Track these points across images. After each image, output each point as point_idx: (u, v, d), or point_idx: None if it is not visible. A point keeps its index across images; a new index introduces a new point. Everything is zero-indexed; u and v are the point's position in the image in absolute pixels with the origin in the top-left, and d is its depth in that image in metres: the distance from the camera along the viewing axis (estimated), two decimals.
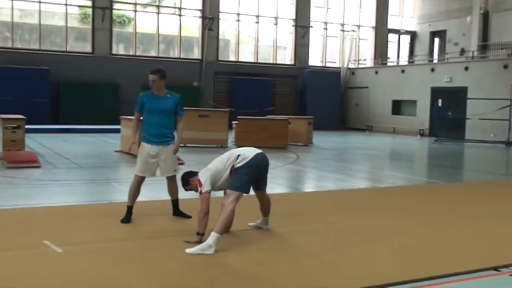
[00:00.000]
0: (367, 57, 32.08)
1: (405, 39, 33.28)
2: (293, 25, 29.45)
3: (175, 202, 6.56)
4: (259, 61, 29.01)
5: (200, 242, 5.29)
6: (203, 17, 26.93)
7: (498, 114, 20.75)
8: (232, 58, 28.86)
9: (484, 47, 26.18)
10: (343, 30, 31.11)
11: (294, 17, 29.34)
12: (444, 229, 6.42)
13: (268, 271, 4.69)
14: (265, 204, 6.04)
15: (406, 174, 12.52)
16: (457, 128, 23.31)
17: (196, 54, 27.79)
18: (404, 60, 31.21)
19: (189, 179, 5.69)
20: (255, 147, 5.89)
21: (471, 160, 16.57)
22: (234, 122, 17.70)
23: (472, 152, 18.58)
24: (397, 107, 27.62)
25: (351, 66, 30.65)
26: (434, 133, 24.49)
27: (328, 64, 31.27)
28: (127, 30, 27.71)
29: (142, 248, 5.29)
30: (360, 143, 21.21)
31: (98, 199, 7.86)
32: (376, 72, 28.86)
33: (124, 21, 28.19)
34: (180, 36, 27.20)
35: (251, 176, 5.58)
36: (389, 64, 30.94)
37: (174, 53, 27.62)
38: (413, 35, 33.03)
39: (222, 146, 16.51)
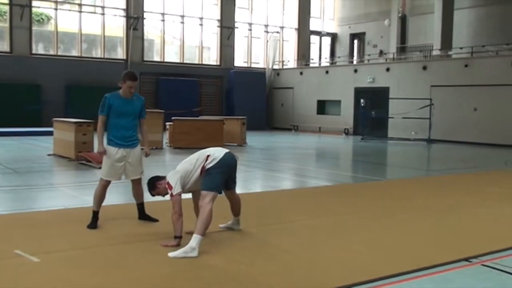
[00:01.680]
0: (290, 58, 32.67)
1: (326, 41, 34.19)
2: (218, 26, 29.47)
3: (140, 205, 6.43)
4: (185, 61, 28.81)
5: (178, 245, 5.23)
6: (128, 17, 26.38)
7: (419, 113, 21.77)
8: (157, 58, 28.46)
9: (402, 49, 27.38)
10: (266, 31, 31.50)
11: (219, 17, 29.37)
12: (405, 224, 6.68)
13: (255, 270, 4.70)
14: (236, 204, 6.04)
15: (348, 172, 12.89)
16: (380, 126, 24.23)
17: (120, 54, 27.18)
18: (326, 61, 32.03)
19: (156, 183, 5.59)
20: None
21: (401, 157, 17.24)
22: (168, 123, 17.48)
23: (399, 149, 19.38)
24: (322, 107, 28.32)
25: (275, 67, 31.07)
26: (358, 132, 25.33)
27: (252, 65, 31.56)
28: (47, 29, 26.63)
29: (121, 254, 5.13)
30: (291, 142, 21.59)
31: (52, 205, 7.51)
32: (301, 73, 29.44)
33: (42, 19, 27.06)
34: (104, 36, 26.49)
35: (224, 176, 5.56)
36: (312, 65, 31.68)
37: (97, 53, 26.87)
38: (334, 37, 34.00)
39: (157, 148, 16.27)
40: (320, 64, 32.07)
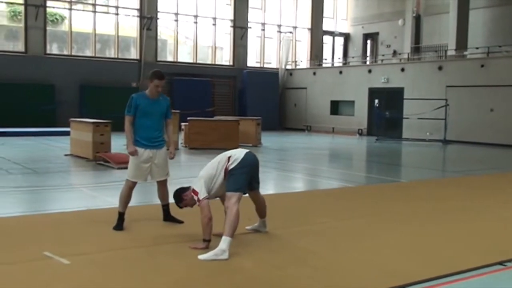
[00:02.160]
0: (303, 59, 32.57)
1: (339, 41, 34.06)
2: (231, 26, 29.43)
3: (166, 207, 6.38)
4: (198, 61, 28.80)
5: (207, 248, 5.19)
6: (141, 17, 26.39)
7: (434, 113, 21.61)
8: (169, 58, 28.46)
9: (416, 49, 27.20)
10: (279, 31, 31.42)
11: (232, 17, 29.33)
12: (432, 226, 6.58)
13: (287, 273, 4.64)
14: (260, 205, 5.97)
15: (367, 173, 12.79)
16: (394, 127, 24.08)
17: (133, 54, 27.20)
18: (340, 61, 31.90)
19: (182, 195, 5.53)
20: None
21: (418, 158, 17.02)
22: (183, 123, 17.45)
23: (415, 150, 19.19)
24: (335, 107, 28.20)
25: (288, 67, 30.99)
26: (372, 133, 25.19)
27: (265, 65, 31.49)
28: (60, 29, 26.69)
29: (152, 256, 5.08)
30: (305, 143, 21.50)
31: (75, 206, 7.48)
32: (314, 73, 29.33)
33: (57, 19, 27.14)
34: (118, 36, 26.51)
35: (247, 176, 5.51)
36: (325, 65, 31.56)
37: (110, 53, 26.90)
38: (347, 37, 33.86)
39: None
40: (333, 64, 31.94)
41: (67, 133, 20.15)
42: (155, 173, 6.15)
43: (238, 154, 5.56)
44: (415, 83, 23.89)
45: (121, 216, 6.04)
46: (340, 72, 27.89)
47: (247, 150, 5.70)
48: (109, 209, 7.32)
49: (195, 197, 5.36)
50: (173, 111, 17.54)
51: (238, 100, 29.20)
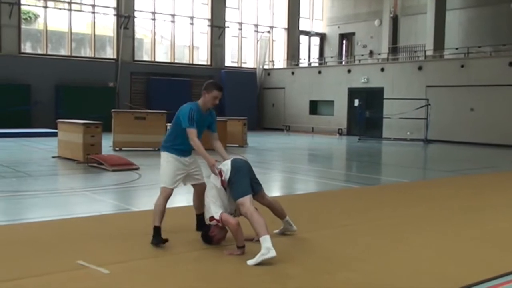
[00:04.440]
0: (279, 58, 32.51)
1: (315, 41, 34.14)
2: (208, 25, 29.16)
3: (201, 216, 5.82)
4: (175, 61, 28.45)
5: (243, 254, 5.06)
6: (118, 15, 25.91)
7: (415, 113, 21.81)
8: (146, 58, 28.04)
9: (394, 49, 27.43)
10: (257, 31, 31.30)
11: (209, 17, 29.07)
12: (459, 227, 6.54)
13: (337, 279, 4.51)
14: (274, 206, 5.78)
15: (364, 173, 12.77)
16: (374, 127, 24.22)
17: (109, 53, 26.70)
18: (315, 61, 31.96)
19: (209, 233, 5.37)
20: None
21: (410, 157, 16.99)
22: (168, 124, 17.10)
23: (401, 150, 19.21)
24: (315, 107, 28.23)
25: (266, 67, 30.89)
26: (352, 132, 25.31)
27: (242, 65, 31.32)
28: (34, 27, 26.01)
29: (190, 262, 4.87)
30: (289, 143, 21.42)
31: (86, 211, 7.19)
32: (293, 73, 29.31)
33: (30, 17, 26.48)
34: (94, 35, 25.97)
35: (246, 178, 5.37)
36: (303, 65, 31.58)
37: (86, 52, 26.35)
38: (323, 37, 33.96)
39: (159, 149, 15.93)
40: (310, 64, 31.98)
41: (46, 134, 19.85)
42: (192, 176, 5.72)
43: (226, 165, 5.42)
44: (395, 83, 24.08)
45: (158, 230, 5.45)
46: (319, 72, 27.93)
47: (232, 158, 5.53)
48: (123, 214, 7.12)
49: (214, 222, 5.23)
50: (160, 111, 17.33)
51: None
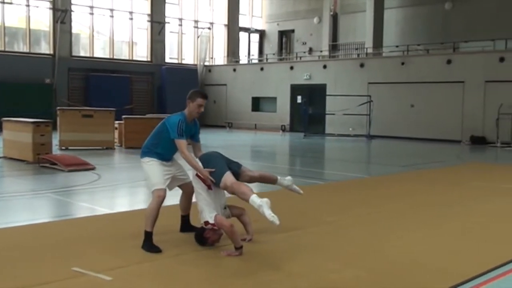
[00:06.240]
0: (219, 55, 32.35)
1: (255, 38, 34.20)
2: (148, 21, 28.60)
3: (186, 217, 5.79)
4: (115, 57, 27.73)
5: (241, 254, 5.00)
6: (55, 9, 24.94)
7: (357, 109, 22.27)
8: (84, 53, 27.16)
9: (334, 46, 27.87)
10: (197, 27, 31.00)
11: (149, 12, 28.51)
12: (441, 222, 6.68)
13: (345, 276, 4.50)
14: (264, 175, 5.74)
15: (327, 170, 12.88)
16: (317, 123, 24.53)
17: (45, 48, 25.68)
18: (255, 58, 32.01)
19: (203, 235, 5.25)
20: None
21: (362, 153, 17.32)
22: (117, 122, 16.67)
23: (350, 145, 19.41)
24: (257, 104, 28.29)
25: (206, 63, 30.65)
26: (295, 129, 25.54)
27: (182, 62, 30.93)
28: None
29: (189, 265, 4.70)
30: (233, 140, 21.33)
31: (58, 215, 6.84)
32: (234, 70, 29.23)
33: None
34: (29, 29, 24.87)
35: (218, 162, 5.33)
36: (242, 62, 31.55)
37: (20, 47, 25.22)
38: (262, 33, 34.07)
39: (108, 148, 15.51)
40: (250, 61, 32.01)
41: None
42: (177, 177, 5.54)
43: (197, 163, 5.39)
44: (337, 80, 24.48)
45: (149, 236, 5.24)
46: (262, 69, 28.00)
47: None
48: (101, 216, 6.84)
49: (210, 226, 5.16)
50: (108, 109, 16.78)
51: (157, 97, 28.47)
